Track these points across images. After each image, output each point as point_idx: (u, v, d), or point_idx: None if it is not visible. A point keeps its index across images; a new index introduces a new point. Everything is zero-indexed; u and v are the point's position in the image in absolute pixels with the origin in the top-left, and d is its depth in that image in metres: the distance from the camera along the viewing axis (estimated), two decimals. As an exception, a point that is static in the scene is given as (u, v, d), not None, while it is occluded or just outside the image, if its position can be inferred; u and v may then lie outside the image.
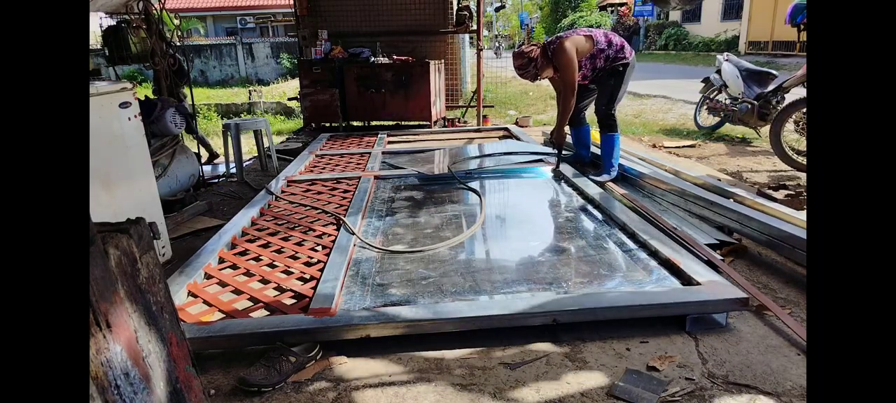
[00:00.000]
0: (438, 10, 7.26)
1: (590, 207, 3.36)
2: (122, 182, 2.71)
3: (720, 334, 2.03)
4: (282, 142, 6.69)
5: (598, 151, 4.26)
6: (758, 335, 2.02)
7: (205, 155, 5.60)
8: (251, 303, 2.25)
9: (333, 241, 2.82)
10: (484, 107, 7.46)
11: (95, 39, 10.15)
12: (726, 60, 5.53)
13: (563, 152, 4.30)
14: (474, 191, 3.78)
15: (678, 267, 2.32)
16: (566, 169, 4.09)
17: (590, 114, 4.32)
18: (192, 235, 3.43)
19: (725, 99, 5.52)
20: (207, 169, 5.34)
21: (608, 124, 3.95)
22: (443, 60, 7.28)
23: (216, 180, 4.97)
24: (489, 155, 4.73)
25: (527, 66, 3.82)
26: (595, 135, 4.46)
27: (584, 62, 3.84)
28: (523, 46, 3.92)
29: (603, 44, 3.83)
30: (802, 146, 4.41)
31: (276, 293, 2.33)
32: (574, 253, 2.70)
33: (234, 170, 5.02)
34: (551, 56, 3.79)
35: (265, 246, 2.85)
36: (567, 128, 4.04)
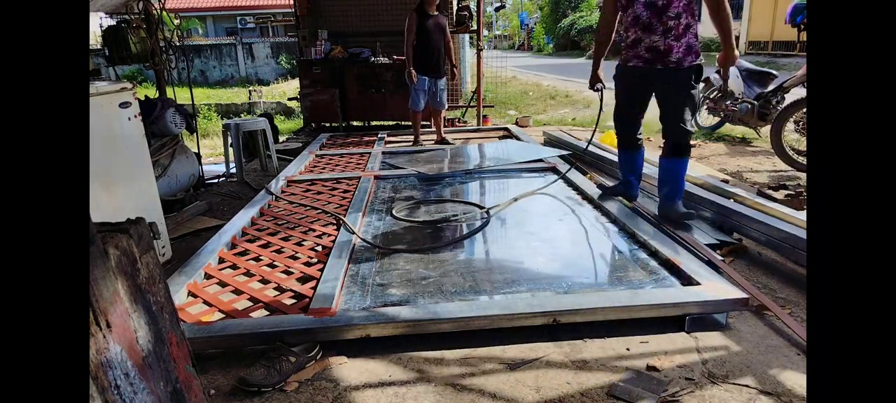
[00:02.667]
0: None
1: (590, 207, 3.36)
2: (122, 182, 2.71)
3: (720, 334, 2.03)
4: (282, 142, 6.69)
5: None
6: (758, 335, 2.02)
7: None
8: (251, 303, 2.25)
9: (333, 241, 2.82)
10: (484, 107, 7.46)
11: (95, 39, 10.14)
12: (726, 60, 5.52)
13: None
14: (479, 205, 3.52)
15: (678, 267, 2.33)
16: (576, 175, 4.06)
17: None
18: (192, 235, 3.43)
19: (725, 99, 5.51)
20: (208, 169, 5.34)
21: (683, 146, 2.85)
22: (443, 60, 7.26)
23: (216, 180, 4.97)
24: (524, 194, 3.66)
25: None
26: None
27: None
28: None
29: None
30: (802, 146, 4.41)
31: (276, 293, 2.33)
32: (574, 253, 2.70)
33: (234, 170, 5.02)
34: None
35: (265, 246, 2.85)
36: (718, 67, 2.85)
